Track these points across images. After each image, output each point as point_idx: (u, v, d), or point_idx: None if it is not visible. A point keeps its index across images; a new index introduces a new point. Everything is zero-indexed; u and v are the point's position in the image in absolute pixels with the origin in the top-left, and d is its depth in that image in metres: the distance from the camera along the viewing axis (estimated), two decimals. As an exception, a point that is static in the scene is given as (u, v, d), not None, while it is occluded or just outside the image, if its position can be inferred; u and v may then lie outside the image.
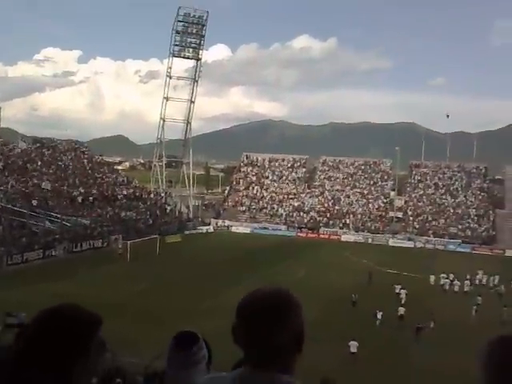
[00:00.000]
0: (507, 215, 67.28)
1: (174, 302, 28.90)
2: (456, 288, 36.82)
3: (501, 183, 77.91)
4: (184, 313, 25.81)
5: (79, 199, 55.36)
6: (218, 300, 28.63)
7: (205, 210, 80.00)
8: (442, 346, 23.39)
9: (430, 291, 35.82)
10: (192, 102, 74.96)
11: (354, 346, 22.20)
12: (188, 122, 75.71)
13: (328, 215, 70.96)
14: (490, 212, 68.18)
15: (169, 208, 67.89)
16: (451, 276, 38.18)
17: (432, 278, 38.91)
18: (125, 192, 63.65)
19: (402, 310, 28.62)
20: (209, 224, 69.19)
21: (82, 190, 57.52)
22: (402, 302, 30.75)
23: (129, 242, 44.40)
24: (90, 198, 56.78)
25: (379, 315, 27.87)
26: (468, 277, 38.23)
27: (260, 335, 1.55)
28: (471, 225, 66.43)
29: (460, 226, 66.29)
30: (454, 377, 18.76)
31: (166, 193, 72.69)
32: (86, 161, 67.94)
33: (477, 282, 38.85)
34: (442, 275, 38.52)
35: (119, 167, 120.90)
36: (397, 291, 33.33)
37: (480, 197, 72.18)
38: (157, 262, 42.03)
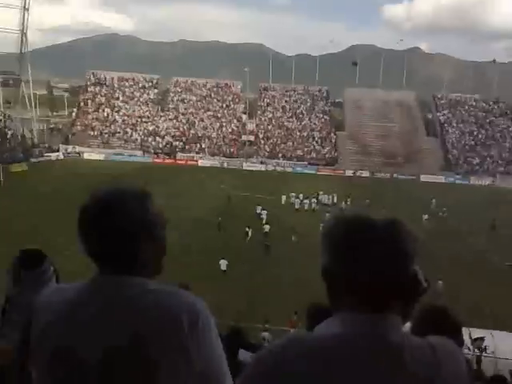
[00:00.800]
0: (347, 137, 73.58)
1: (23, 238, 27.10)
2: (306, 206, 40.46)
3: (341, 106, 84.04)
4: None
5: None
6: (72, 235, 27.85)
7: (51, 135, 74.60)
8: (297, 259, 25.89)
9: (284, 210, 38.54)
10: (26, 9, 66.73)
11: (224, 264, 24.03)
12: (23, 33, 67.74)
13: (184, 140, 70.96)
14: (332, 134, 73.84)
15: (10, 133, 62.15)
16: (301, 196, 41.62)
17: (283, 197, 41.95)
18: (-45, 116, 56.65)
19: (266, 228, 31.56)
20: (57, 150, 64.89)
21: None
22: (264, 221, 33.36)
23: (-34, 173, 40.38)
24: None
25: (250, 232, 30.48)
26: (314, 196, 42.06)
27: (100, 237, 1.50)
28: (315, 147, 71.52)
29: (306, 149, 71.05)
30: (305, 287, 21.07)
31: (4, 115, 66.00)
32: None
33: (322, 200, 42.73)
34: (292, 194, 41.81)
35: None
36: (258, 211, 35.87)
37: (323, 120, 77.37)
38: (1, 193, 38.99)
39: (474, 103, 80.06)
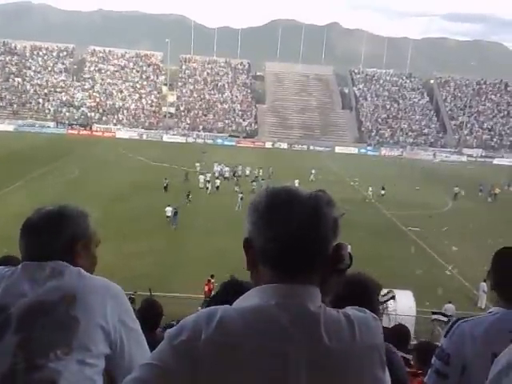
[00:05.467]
0: (267, 109, 74.59)
1: None
2: (226, 174, 40.95)
3: (262, 79, 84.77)
4: None
5: None
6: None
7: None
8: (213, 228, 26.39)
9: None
10: None
11: (169, 210, 26.87)
12: None
13: (100, 111, 68.83)
14: (253, 107, 74.51)
15: None
16: (219, 167, 41.82)
17: (197, 165, 42.00)
18: None
19: (217, 182, 35.72)
20: (-39, 122, 61.07)
21: None
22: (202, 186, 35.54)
23: None
24: None
25: (209, 185, 35.08)
26: (234, 167, 42.39)
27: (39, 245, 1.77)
28: (236, 119, 71.94)
29: (227, 121, 71.30)
30: (217, 253, 21.63)
31: None
32: None
33: (239, 172, 42.99)
34: (216, 164, 41.90)
35: None
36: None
37: (244, 92, 77.77)
38: None
39: (388, 78, 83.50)
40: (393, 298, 2.76)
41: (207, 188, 35.56)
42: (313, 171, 41.97)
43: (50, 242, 1.77)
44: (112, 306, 1.66)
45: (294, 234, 1.23)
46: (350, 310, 1.29)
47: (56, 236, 1.79)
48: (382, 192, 36.88)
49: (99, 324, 1.62)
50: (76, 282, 1.66)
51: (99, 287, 1.69)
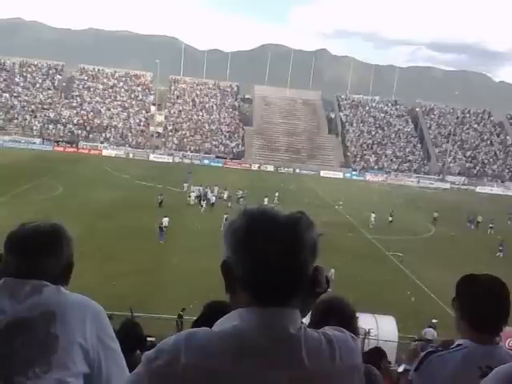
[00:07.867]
0: (254, 132, 75.14)
1: None
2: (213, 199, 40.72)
3: (250, 102, 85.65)
4: None
5: None
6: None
7: None
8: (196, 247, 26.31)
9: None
10: None
11: (165, 221, 27.88)
12: None
13: (88, 128, 68.78)
14: (240, 129, 75.04)
15: None
16: (208, 188, 41.75)
17: (185, 185, 42.03)
18: None
19: (213, 199, 37.12)
20: None
21: None
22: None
23: None
24: None
25: (203, 203, 36.20)
26: (205, 188, 41.98)
27: (33, 266, 1.71)
28: (223, 141, 72.33)
29: (214, 142, 71.65)
30: (202, 274, 21.57)
31: None
32: None
33: (216, 191, 42.45)
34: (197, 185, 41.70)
35: None
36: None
37: (232, 114, 78.36)
38: None
39: (374, 104, 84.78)
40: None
41: (201, 206, 36.25)
42: (276, 194, 41.04)
43: (50, 263, 1.74)
44: (91, 324, 1.64)
45: (275, 261, 1.21)
46: (330, 330, 1.29)
47: (57, 257, 1.76)
48: (390, 218, 36.61)
49: (78, 342, 1.59)
50: (55, 299, 1.64)
51: (79, 304, 1.67)
